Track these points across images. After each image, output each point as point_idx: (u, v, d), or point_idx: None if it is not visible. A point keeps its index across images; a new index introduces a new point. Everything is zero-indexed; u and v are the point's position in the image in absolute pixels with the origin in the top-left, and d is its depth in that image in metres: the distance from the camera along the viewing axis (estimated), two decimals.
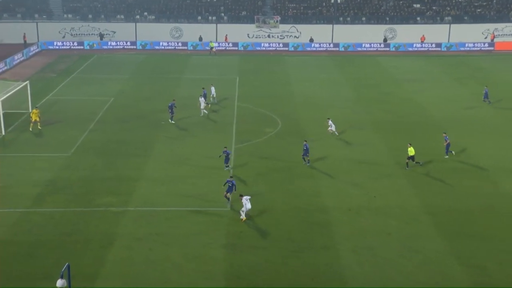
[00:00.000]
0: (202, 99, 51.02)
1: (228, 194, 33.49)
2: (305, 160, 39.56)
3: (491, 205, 34.15)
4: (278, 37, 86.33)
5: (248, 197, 32.06)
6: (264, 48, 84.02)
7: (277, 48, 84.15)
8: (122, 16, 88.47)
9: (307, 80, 65.28)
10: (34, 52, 78.38)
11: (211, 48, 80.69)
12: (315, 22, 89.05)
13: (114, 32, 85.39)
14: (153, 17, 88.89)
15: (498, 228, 31.40)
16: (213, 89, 55.70)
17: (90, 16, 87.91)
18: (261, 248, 29.15)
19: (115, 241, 29.57)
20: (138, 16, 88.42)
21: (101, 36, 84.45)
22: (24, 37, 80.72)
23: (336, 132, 45.02)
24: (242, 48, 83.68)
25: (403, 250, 29.21)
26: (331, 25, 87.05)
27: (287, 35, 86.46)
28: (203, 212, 32.84)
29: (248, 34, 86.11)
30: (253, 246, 29.36)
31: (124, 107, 53.39)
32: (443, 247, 29.47)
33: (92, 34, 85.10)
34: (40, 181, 36.64)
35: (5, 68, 68.31)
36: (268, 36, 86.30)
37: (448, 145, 41.12)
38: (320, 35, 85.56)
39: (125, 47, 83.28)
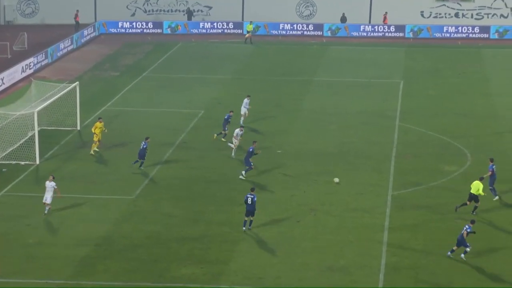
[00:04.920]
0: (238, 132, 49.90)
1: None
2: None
3: None
4: (472, 16, 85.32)
5: None
6: (448, 35, 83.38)
7: (470, 35, 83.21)
8: None
9: None
10: (88, 37, 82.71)
11: (248, 32, 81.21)
12: None
13: (210, 8, 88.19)
14: None
15: None
16: (246, 102, 55.03)
17: None
18: None
19: None
20: None
21: (190, 13, 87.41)
22: (76, 16, 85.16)
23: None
24: (411, 35, 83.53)
25: None
26: None
27: (487, 14, 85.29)
28: None
29: (422, 13, 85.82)
30: None
31: (220, 125, 54.78)
32: None
33: (176, 10, 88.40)
34: (88, 238, 38.15)
35: (46, 61, 72.67)
36: (456, 15, 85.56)
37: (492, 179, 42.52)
38: None
39: (226, 31, 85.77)
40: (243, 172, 45.41)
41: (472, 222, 35.83)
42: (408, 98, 61.75)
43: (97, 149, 49.36)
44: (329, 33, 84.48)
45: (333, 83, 66.04)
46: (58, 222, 40.11)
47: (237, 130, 49.14)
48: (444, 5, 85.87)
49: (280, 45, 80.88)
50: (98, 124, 49.52)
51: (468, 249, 35.36)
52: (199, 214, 41.05)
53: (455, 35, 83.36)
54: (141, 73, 69.53)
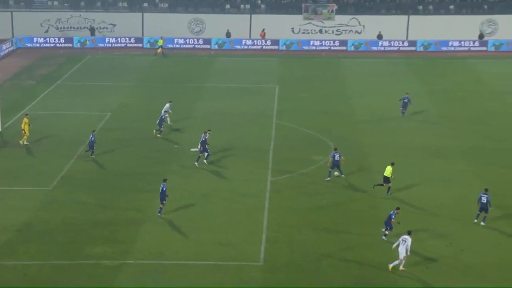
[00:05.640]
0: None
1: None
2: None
3: None
4: (333, 32, 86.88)
5: None
6: (314, 48, 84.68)
7: (332, 47, 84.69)
8: (125, 4, 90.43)
9: (372, 92, 65.54)
10: (6, 51, 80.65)
11: (159, 47, 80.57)
12: (384, 12, 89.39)
13: (114, 26, 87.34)
14: (166, 4, 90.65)
15: None
16: (167, 106, 54.48)
17: (82, 3, 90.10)
18: None
19: None
20: (146, 4, 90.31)
21: (93, 30, 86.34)
22: None
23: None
24: (284, 48, 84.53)
25: None
26: (406, 16, 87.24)
27: (345, 30, 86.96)
28: (229, 267, 33.47)
29: (292, 29, 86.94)
30: None
31: (125, 126, 54.54)
32: None
33: (84, 27, 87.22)
34: (9, 224, 37.63)
35: None
36: (320, 31, 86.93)
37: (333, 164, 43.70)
38: (391, 30, 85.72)
39: (128, 45, 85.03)
40: (205, 161, 46.36)
41: (397, 209, 36.23)
42: (283, 100, 62.47)
43: (26, 142, 49.35)
44: (216, 46, 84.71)
45: (221, 89, 66.32)
46: None
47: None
48: (310, 23, 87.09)
49: (175, 57, 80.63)
50: (25, 119, 49.51)
51: (388, 231, 35.78)
52: (109, 201, 40.90)
53: (320, 48, 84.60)
54: (55, 82, 68.32)
